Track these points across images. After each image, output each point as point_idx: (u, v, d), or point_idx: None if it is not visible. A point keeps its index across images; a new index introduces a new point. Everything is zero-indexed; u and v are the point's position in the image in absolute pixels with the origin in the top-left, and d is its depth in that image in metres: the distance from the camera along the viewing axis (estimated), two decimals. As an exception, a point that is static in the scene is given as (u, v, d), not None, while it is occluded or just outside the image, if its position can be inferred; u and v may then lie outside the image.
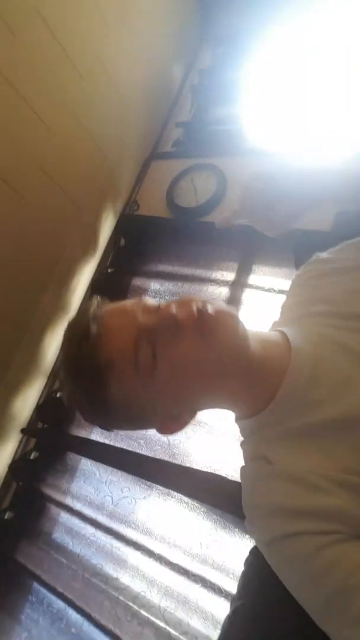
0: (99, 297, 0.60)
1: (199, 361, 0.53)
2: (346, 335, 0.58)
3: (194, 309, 0.54)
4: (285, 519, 0.49)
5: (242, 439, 0.64)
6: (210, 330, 0.53)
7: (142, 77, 1.80)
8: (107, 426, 0.64)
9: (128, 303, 0.58)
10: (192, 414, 0.61)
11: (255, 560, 0.84)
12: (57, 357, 1.61)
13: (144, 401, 0.56)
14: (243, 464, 0.62)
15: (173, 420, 0.60)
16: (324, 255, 0.75)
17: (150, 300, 0.58)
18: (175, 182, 1.74)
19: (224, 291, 1.49)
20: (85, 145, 1.59)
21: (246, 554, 0.84)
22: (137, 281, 1.69)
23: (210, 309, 0.54)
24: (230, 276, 1.51)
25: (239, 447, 0.65)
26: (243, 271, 1.49)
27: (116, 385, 0.53)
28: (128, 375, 0.53)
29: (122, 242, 1.77)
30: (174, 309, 0.55)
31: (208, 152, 1.76)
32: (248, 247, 1.50)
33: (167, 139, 1.96)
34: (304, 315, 0.67)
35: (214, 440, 1.29)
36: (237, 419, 0.64)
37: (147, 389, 0.54)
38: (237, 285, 1.47)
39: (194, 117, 1.95)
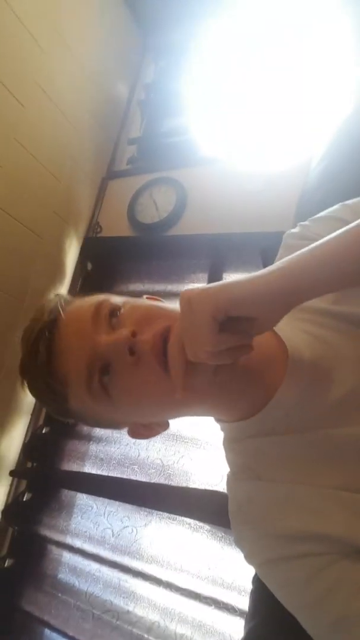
0: (61, 294, 0.56)
1: (158, 395, 0.48)
2: (340, 338, 0.52)
3: (157, 333, 0.46)
4: (278, 542, 0.46)
5: (223, 436, 0.59)
6: (170, 363, 0.46)
7: (87, 97, 1.78)
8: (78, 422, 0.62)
9: (88, 310, 0.51)
10: (163, 425, 0.57)
11: (263, 578, 0.82)
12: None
13: (106, 416, 0.53)
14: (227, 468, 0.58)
15: (144, 427, 0.57)
16: (294, 230, 0.65)
17: (114, 301, 0.52)
18: (134, 199, 1.73)
19: (198, 303, 1.48)
20: (36, 173, 1.56)
21: (254, 570, 0.82)
22: (110, 304, 1.66)
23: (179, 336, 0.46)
24: (201, 287, 1.50)
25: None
26: (214, 280, 1.48)
27: (74, 400, 0.51)
28: (83, 396, 0.50)
29: (89, 266, 1.75)
30: (131, 328, 0.47)
31: (164, 166, 1.76)
32: (216, 256, 1.50)
33: (122, 156, 1.95)
34: (294, 310, 0.60)
35: (207, 455, 1.27)
36: (218, 420, 0.58)
37: (106, 407, 0.50)
38: (210, 296, 1.46)
39: (145, 132, 1.95)
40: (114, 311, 0.50)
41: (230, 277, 1.46)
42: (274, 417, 0.50)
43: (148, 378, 0.47)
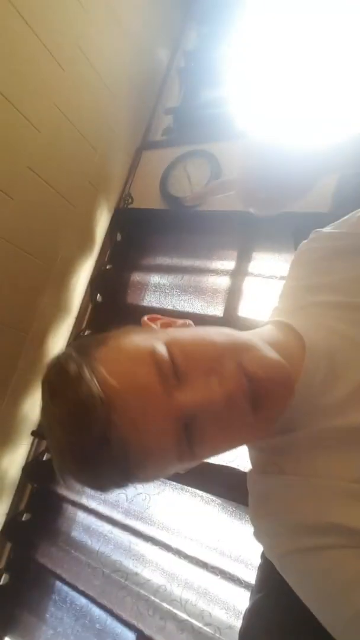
0: (75, 352, 0.46)
1: (241, 437, 0.48)
2: (355, 331, 0.52)
3: (242, 377, 0.43)
4: (299, 534, 0.46)
5: None
6: (265, 401, 0.44)
7: (127, 64, 1.74)
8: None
9: (151, 374, 0.43)
10: None
11: (272, 553, 0.84)
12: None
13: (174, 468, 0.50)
14: (250, 465, 0.59)
15: None
16: (327, 229, 0.65)
17: (160, 350, 0.45)
18: (168, 171, 1.71)
19: (224, 281, 1.46)
20: (73, 139, 1.55)
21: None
22: (137, 276, 1.67)
23: (256, 369, 0.44)
24: (230, 265, 1.48)
25: None
26: (243, 259, 1.46)
27: (152, 467, 0.46)
28: (168, 460, 0.46)
29: (119, 237, 1.75)
30: (213, 384, 0.43)
31: (199, 138, 1.71)
32: (246, 234, 1.47)
33: (157, 127, 1.91)
34: (309, 304, 0.59)
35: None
36: None
37: (184, 465, 0.49)
38: (238, 274, 1.44)
39: (183, 102, 1.89)
40: (176, 364, 0.44)
41: (260, 257, 1.45)
42: (295, 411, 0.50)
43: (239, 423, 0.45)
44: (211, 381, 0.44)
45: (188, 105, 1.86)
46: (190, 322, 0.57)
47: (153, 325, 0.55)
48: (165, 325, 0.56)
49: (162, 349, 0.45)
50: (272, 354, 0.47)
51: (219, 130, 1.70)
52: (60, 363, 0.46)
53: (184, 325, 0.56)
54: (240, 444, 0.51)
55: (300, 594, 0.46)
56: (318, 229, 0.67)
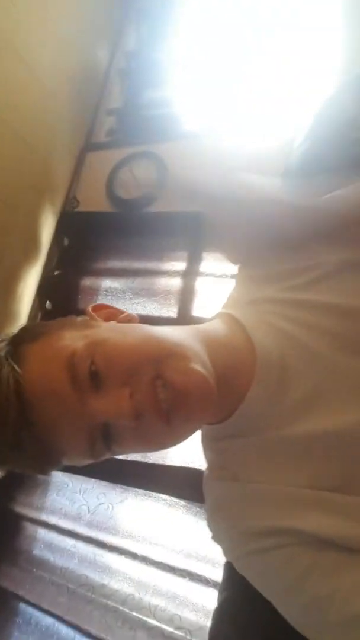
0: (5, 349, 0.47)
1: (161, 443, 0.49)
2: (304, 333, 0.51)
3: (150, 390, 0.44)
4: (252, 537, 0.47)
5: (201, 433, 0.59)
6: (178, 415, 0.44)
7: (64, 63, 1.70)
8: None
9: (61, 377, 0.44)
10: None
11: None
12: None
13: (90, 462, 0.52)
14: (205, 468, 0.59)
15: None
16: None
17: (80, 352, 0.45)
18: (114, 173, 1.68)
19: (176, 282, 1.46)
20: (10, 142, 1.49)
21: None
22: (87, 281, 1.63)
23: (174, 378, 0.44)
24: (181, 266, 1.48)
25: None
26: (193, 259, 1.47)
27: (68, 462, 0.49)
28: (82, 459, 0.48)
29: (66, 241, 1.70)
30: (125, 389, 0.44)
31: (145, 139, 1.70)
32: (196, 235, 1.48)
33: (100, 128, 1.87)
34: (258, 299, 0.58)
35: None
36: None
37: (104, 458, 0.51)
38: (189, 275, 1.45)
39: (126, 103, 1.87)
40: (93, 371, 0.44)
41: (210, 256, 1.46)
42: (247, 418, 0.51)
43: (152, 433, 0.46)
44: (123, 392, 0.44)
45: (131, 105, 1.84)
46: (135, 316, 0.56)
47: (95, 316, 0.55)
48: (109, 317, 0.55)
49: (82, 353, 0.45)
50: (195, 364, 0.45)
51: (163, 130, 1.70)
52: None
53: (127, 319, 0.55)
54: (160, 448, 0.52)
55: (261, 591, 0.49)
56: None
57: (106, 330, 0.51)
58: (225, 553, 0.53)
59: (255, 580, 0.49)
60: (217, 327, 0.57)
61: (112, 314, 0.56)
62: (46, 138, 1.63)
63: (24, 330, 0.51)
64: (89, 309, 0.56)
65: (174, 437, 0.48)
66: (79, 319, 0.54)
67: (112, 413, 0.44)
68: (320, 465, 0.47)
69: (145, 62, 1.88)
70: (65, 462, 0.48)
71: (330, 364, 0.48)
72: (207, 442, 0.58)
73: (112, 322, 0.54)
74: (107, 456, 0.48)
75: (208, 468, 0.58)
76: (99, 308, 0.56)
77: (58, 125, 1.70)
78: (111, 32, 2.00)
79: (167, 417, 0.44)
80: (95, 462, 0.49)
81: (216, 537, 0.54)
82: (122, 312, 0.57)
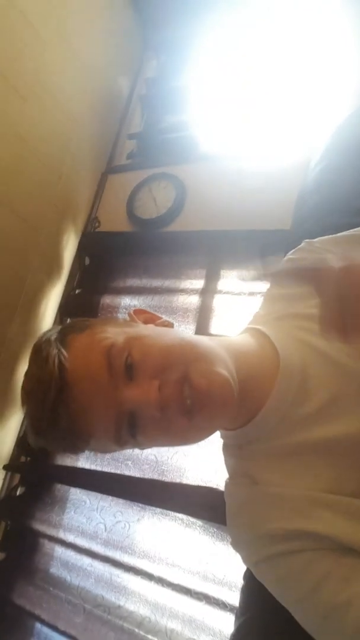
0: (54, 335, 0.53)
1: (183, 439, 0.52)
2: (326, 344, 0.54)
3: (178, 387, 0.47)
4: (271, 541, 0.48)
5: (223, 442, 0.62)
6: (200, 413, 0.47)
7: (88, 91, 1.77)
8: None
9: (99, 363, 0.48)
10: None
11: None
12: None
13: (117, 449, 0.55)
14: (227, 475, 0.61)
15: None
16: (316, 243, 0.66)
17: (120, 344, 0.49)
18: (133, 194, 1.73)
19: (194, 300, 1.48)
20: (36, 167, 1.55)
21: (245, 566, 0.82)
22: (107, 299, 1.66)
23: (200, 380, 0.47)
24: (199, 284, 1.50)
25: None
26: (211, 277, 1.48)
27: (95, 446, 0.52)
28: (108, 445, 0.52)
29: (87, 261, 1.74)
30: (154, 382, 0.47)
31: (163, 161, 1.75)
32: (214, 253, 1.50)
33: (121, 151, 1.94)
34: (286, 315, 0.62)
35: (201, 452, 1.27)
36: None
37: (129, 447, 0.54)
38: (207, 293, 1.46)
39: (146, 127, 1.94)
40: (129, 363, 0.49)
41: (228, 274, 1.47)
42: (267, 424, 0.53)
43: (175, 427, 0.49)
44: (153, 384, 0.47)
45: (151, 130, 1.90)
46: (171, 322, 0.61)
47: (136, 318, 0.60)
48: (147, 321, 0.60)
49: (121, 345, 0.49)
50: (220, 368, 0.49)
51: (181, 153, 1.75)
52: (39, 342, 0.53)
53: (163, 324, 0.60)
54: (183, 443, 0.54)
55: (278, 599, 0.49)
56: (309, 240, 0.67)
57: (144, 329, 0.56)
58: (244, 559, 0.54)
59: (272, 586, 0.50)
60: (245, 340, 0.60)
61: (151, 319, 0.60)
62: (70, 163, 1.70)
63: (72, 322, 0.57)
64: (131, 311, 0.61)
65: (195, 434, 0.51)
66: (122, 319, 0.59)
67: (140, 401, 0.47)
68: (340, 470, 0.48)
69: (165, 88, 1.96)
70: (94, 444, 0.51)
71: (350, 372, 0.51)
72: (228, 450, 0.60)
73: (151, 325, 0.59)
74: (132, 445, 0.52)
75: (229, 476, 0.60)
76: (140, 312, 0.61)
77: (81, 150, 1.76)
78: (132, 60, 2.08)
79: (190, 414, 0.47)
80: (121, 450, 0.54)
81: (235, 543, 0.55)
82: (160, 317, 0.61)
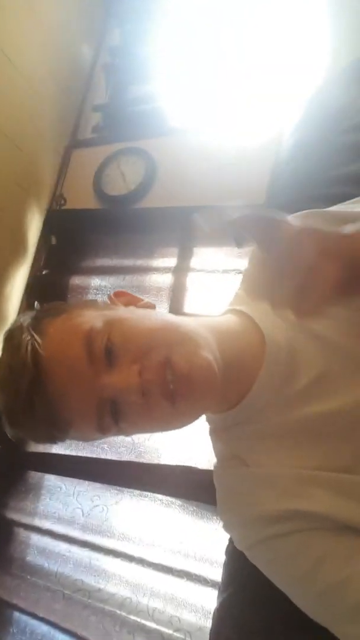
0: (27, 321, 0.50)
1: (167, 423, 0.50)
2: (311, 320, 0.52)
3: (161, 371, 0.45)
4: (264, 523, 0.47)
5: (210, 427, 0.60)
6: (183, 397, 0.46)
7: (48, 60, 1.66)
8: None
9: (78, 350, 0.46)
10: None
11: (236, 548, 0.82)
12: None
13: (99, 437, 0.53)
14: (215, 459, 0.60)
15: None
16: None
17: (99, 328, 0.47)
18: (101, 170, 1.65)
19: (167, 278, 1.44)
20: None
21: (226, 541, 0.82)
22: (76, 280, 1.60)
23: (182, 364, 0.45)
24: (171, 262, 1.46)
25: (208, 437, 0.62)
26: (184, 255, 1.45)
27: (75, 435, 0.50)
28: (90, 432, 0.50)
29: (53, 240, 1.66)
30: (135, 366, 0.45)
31: (131, 135, 1.68)
32: (186, 230, 1.46)
33: (86, 124, 1.84)
34: (265, 295, 0.60)
35: (178, 432, 1.25)
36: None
37: (111, 435, 0.52)
38: (180, 271, 1.43)
39: (112, 99, 1.84)
40: (108, 347, 0.46)
41: (201, 252, 1.44)
42: (255, 404, 0.52)
43: (158, 412, 0.47)
44: (133, 369, 0.45)
45: (117, 101, 1.81)
46: (153, 304, 0.58)
47: (116, 300, 0.57)
48: (128, 303, 0.57)
49: (100, 329, 0.47)
50: (204, 351, 0.47)
51: (150, 126, 1.68)
52: (11, 329, 0.50)
53: (145, 306, 0.57)
54: (167, 428, 0.53)
55: (273, 580, 0.48)
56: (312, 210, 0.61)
57: (125, 312, 0.53)
58: (237, 542, 0.53)
59: (267, 569, 0.49)
60: (229, 321, 0.59)
61: (132, 301, 0.58)
62: (31, 135, 1.60)
63: (47, 307, 0.53)
64: (111, 294, 0.59)
65: (178, 418, 0.49)
66: (101, 301, 0.56)
67: (120, 388, 0.45)
68: (330, 446, 0.47)
69: (130, 58, 1.86)
70: (74, 433, 0.48)
71: (337, 348, 0.50)
72: (216, 434, 0.59)
73: (131, 307, 0.56)
74: (115, 433, 0.50)
75: (217, 460, 0.59)
76: (120, 294, 0.58)
77: (43, 122, 1.66)
78: (94, 29, 1.97)
79: (173, 398, 0.45)
80: (103, 438, 0.52)
81: (227, 527, 0.54)
82: (141, 299, 0.59)
